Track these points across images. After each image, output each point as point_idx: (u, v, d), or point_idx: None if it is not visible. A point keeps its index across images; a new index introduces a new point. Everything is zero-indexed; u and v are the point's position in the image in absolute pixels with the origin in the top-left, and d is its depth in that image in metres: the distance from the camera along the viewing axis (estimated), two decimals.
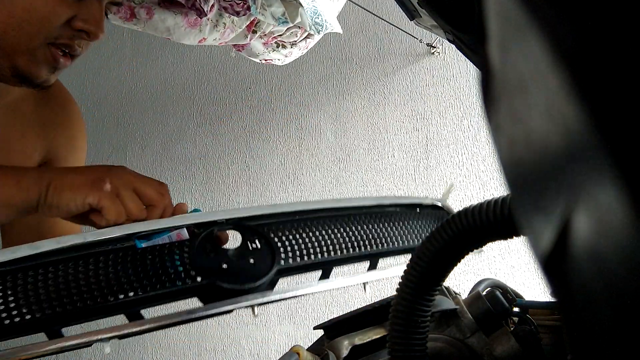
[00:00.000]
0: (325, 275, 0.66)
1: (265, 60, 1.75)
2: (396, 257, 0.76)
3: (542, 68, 0.15)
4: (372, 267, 0.71)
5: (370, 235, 0.70)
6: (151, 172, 2.49)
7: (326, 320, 0.76)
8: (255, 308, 0.54)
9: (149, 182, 0.64)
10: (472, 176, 2.20)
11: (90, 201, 0.59)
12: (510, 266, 2.01)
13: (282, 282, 0.61)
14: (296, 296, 0.61)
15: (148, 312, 0.55)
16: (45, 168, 0.61)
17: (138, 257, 0.52)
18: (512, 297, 0.70)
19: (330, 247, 0.66)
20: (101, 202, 0.60)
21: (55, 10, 0.70)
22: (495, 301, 0.66)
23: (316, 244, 0.65)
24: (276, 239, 0.62)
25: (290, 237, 0.63)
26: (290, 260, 0.62)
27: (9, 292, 0.45)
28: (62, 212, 0.60)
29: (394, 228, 0.73)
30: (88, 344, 0.49)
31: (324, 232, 0.66)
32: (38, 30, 0.70)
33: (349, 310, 0.76)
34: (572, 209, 0.15)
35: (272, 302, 0.57)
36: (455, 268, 0.59)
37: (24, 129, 0.88)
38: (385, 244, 0.70)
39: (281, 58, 1.73)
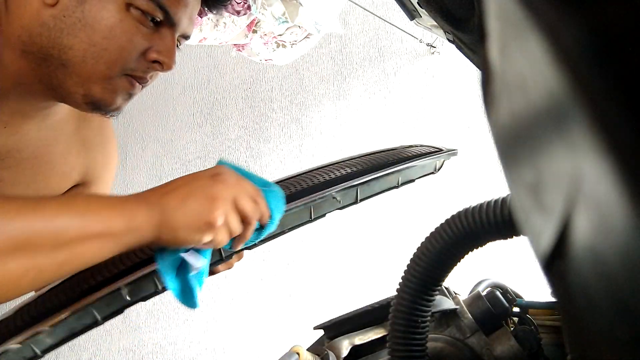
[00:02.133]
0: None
1: (265, 60, 1.75)
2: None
3: (542, 68, 0.15)
4: None
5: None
6: (151, 172, 2.49)
7: (326, 320, 0.76)
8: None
9: (249, 197, 0.62)
10: (473, 176, 2.20)
11: (206, 240, 0.59)
12: (510, 266, 2.01)
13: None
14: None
15: None
16: (145, 198, 0.58)
17: None
18: (512, 297, 0.70)
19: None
20: (216, 240, 0.60)
21: (133, 40, 0.71)
22: (495, 301, 0.66)
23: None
24: None
25: None
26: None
27: None
28: (181, 246, 0.60)
29: None
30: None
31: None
32: (116, 59, 0.71)
33: (349, 310, 0.76)
34: (572, 209, 0.15)
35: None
36: (455, 268, 0.59)
37: (66, 148, 0.89)
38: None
39: (281, 58, 1.73)
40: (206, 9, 0.83)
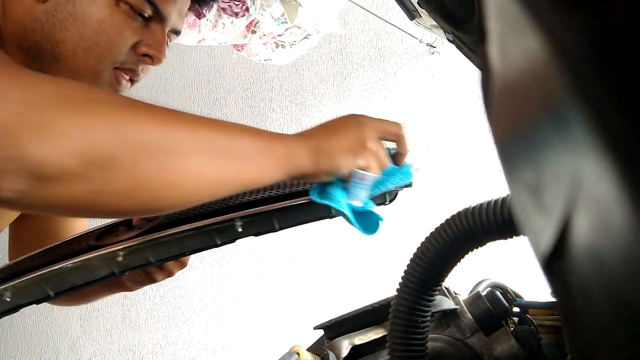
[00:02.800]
0: None
1: (265, 60, 1.75)
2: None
3: (542, 68, 0.15)
4: None
5: None
6: None
7: (326, 320, 0.76)
8: None
9: (390, 126, 0.66)
10: (473, 176, 2.20)
11: (360, 164, 0.61)
12: (510, 266, 2.01)
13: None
14: None
15: None
16: (295, 136, 0.60)
17: None
18: (512, 297, 0.70)
19: None
20: (368, 163, 0.62)
21: (123, 34, 0.72)
22: (495, 301, 0.66)
23: None
24: None
25: None
26: None
27: None
28: (331, 176, 0.62)
29: None
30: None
31: None
32: (106, 52, 0.72)
33: (349, 310, 0.76)
34: (572, 209, 0.15)
35: None
36: (455, 268, 0.59)
37: None
38: None
39: (281, 58, 1.73)
40: (196, 5, 0.84)
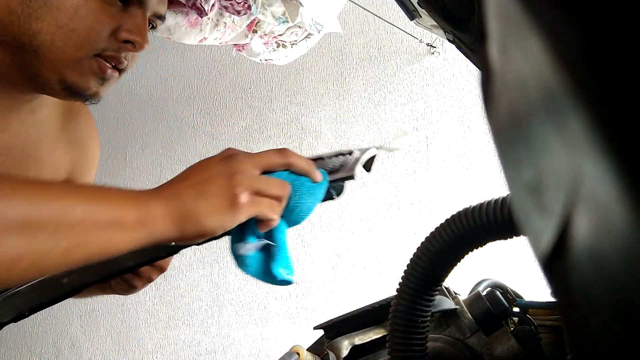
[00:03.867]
0: None
1: (266, 60, 1.75)
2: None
3: (542, 68, 0.15)
4: None
5: None
6: (151, 172, 2.49)
7: (326, 320, 0.76)
8: None
9: (271, 157, 0.60)
10: (472, 176, 2.20)
11: (243, 219, 0.56)
12: (510, 266, 2.01)
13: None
14: None
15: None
16: (159, 192, 0.54)
17: None
18: (512, 297, 0.70)
19: None
20: (260, 213, 0.57)
21: (100, 19, 0.71)
22: (495, 301, 0.66)
23: None
24: None
25: None
26: None
27: None
28: (204, 237, 0.56)
29: None
30: None
31: None
32: (85, 40, 0.70)
33: (349, 310, 0.76)
34: (572, 209, 0.15)
35: None
36: (455, 268, 0.59)
37: (54, 145, 0.89)
38: None
39: (281, 58, 1.73)
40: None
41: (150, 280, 0.84)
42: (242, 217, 0.56)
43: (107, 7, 0.71)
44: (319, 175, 0.63)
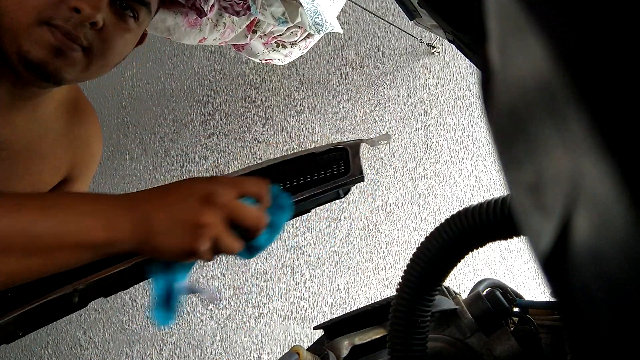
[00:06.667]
0: None
1: (265, 60, 1.75)
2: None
3: (542, 68, 0.15)
4: None
5: None
6: (151, 172, 2.49)
7: (326, 320, 0.76)
8: None
9: (250, 185, 0.60)
10: (472, 176, 2.20)
11: (191, 254, 0.57)
12: (510, 266, 2.01)
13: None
14: None
15: None
16: (133, 208, 0.55)
17: None
18: (512, 297, 0.70)
19: None
20: (202, 258, 0.57)
21: None
22: (495, 301, 0.66)
23: None
24: None
25: None
26: None
27: None
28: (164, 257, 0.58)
29: None
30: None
31: None
32: (34, 5, 0.69)
33: (349, 310, 0.76)
34: (572, 209, 0.15)
35: None
36: (455, 268, 0.59)
37: (56, 142, 0.89)
38: None
39: (281, 58, 1.73)
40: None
41: None
42: (196, 259, 0.58)
43: None
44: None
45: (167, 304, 0.59)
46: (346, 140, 0.69)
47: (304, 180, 0.68)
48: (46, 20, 0.71)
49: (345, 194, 0.67)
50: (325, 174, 0.68)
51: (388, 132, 2.34)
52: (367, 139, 0.68)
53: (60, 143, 0.90)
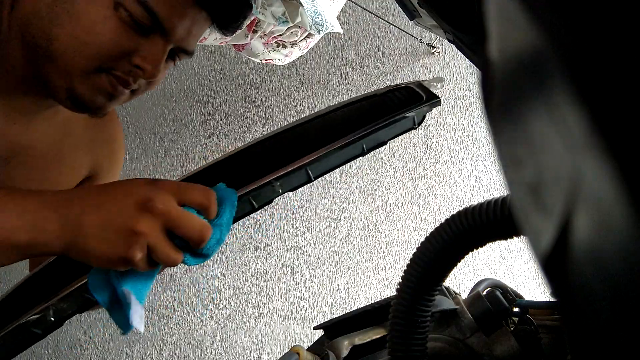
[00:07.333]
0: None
1: (265, 60, 1.75)
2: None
3: (542, 68, 0.15)
4: None
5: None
6: (151, 172, 2.49)
7: (326, 320, 0.76)
8: None
9: (194, 194, 0.56)
10: (472, 176, 2.20)
11: (124, 262, 0.54)
12: (510, 266, 2.01)
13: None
14: None
15: None
16: (63, 209, 0.52)
17: None
18: (512, 297, 0.70)
19: None
20: (134, 264, 0.54)
21: (117, 39, 0.70)
22: (495, 301, 0.66)
23: None
24: None
25: None
26: None
27: None
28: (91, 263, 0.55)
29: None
30: None
31: None
32: (95, 55, 0.70)
33: (349, 310, 0.76)
34: (572, 209, 0.15)
35: None
36: (455, 268, 0.59)
37: (75, 146, 0.89)
38: None
39: (281, 58, 1.73)
40: (219, 30, 0.78)
41: None
42: (129, 267, 0.55)
43: (126, 28, 0.70)
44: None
45: (119, 310, 0.56)
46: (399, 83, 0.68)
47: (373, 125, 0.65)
48: (106, 69, 0.72)
49: (419, 123, 0.65)
50: (394, 112, 0.66)
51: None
52: (423, 80, 0.66)
53: (79, 145, 0.90)
